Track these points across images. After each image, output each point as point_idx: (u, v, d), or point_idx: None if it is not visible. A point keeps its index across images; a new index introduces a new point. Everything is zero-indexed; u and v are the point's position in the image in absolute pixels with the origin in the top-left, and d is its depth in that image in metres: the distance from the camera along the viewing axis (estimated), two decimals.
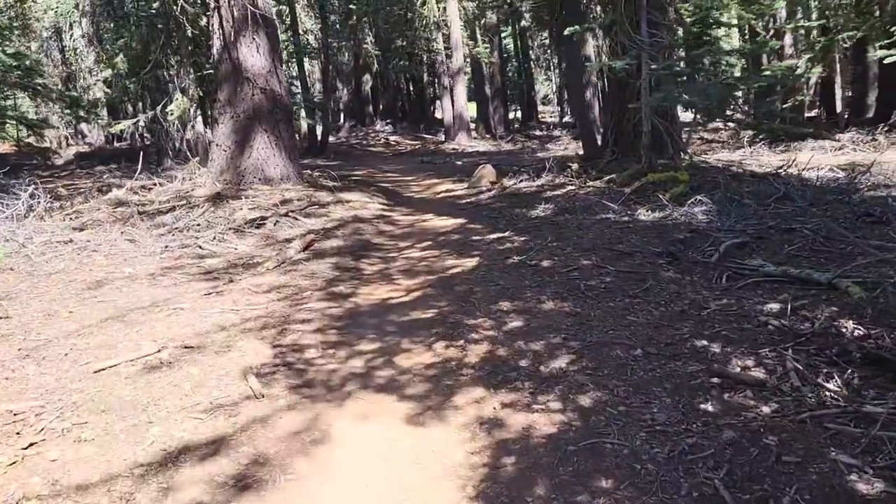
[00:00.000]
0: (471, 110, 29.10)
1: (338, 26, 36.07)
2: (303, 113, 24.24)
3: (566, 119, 41.30)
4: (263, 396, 3.51)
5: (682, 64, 8.12)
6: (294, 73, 26.27)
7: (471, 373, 3.62)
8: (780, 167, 9.31)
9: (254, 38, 10.53)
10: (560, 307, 4.50)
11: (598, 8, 10.48)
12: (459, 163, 18.52)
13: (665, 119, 9.15)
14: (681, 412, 2.92)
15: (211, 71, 11.32)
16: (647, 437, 2.75)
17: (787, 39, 15.78)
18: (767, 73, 7.67)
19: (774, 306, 4.06)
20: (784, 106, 13.71)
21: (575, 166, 10.08)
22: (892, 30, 12.23)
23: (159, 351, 4.25)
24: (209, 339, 4.41)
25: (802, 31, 14.94)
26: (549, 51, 47.17)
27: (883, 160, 11.09)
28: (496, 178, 11.91)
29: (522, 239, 7.01)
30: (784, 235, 5.87)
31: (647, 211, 7.53)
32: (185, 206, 9.53)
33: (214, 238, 7.79)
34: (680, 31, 8.92)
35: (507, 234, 7.40)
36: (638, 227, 6.80)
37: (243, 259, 6.88)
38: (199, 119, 12.46)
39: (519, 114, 39.14)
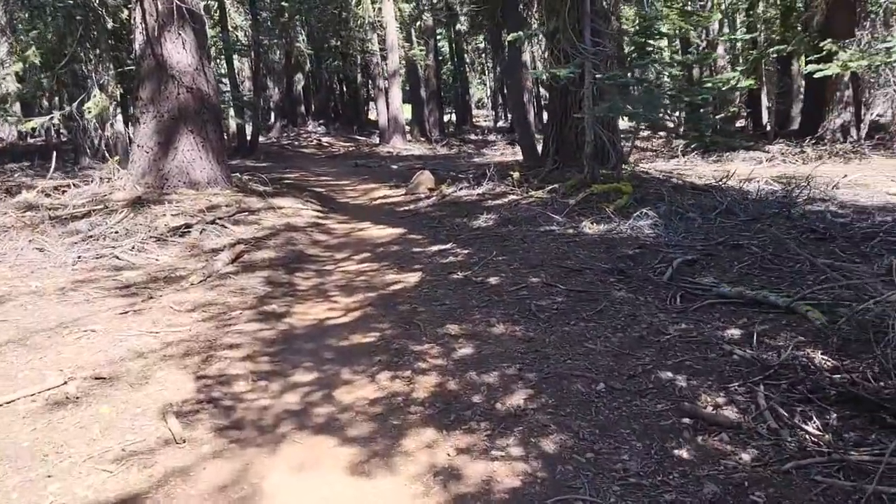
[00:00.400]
0: (406, 113, 28.75)
1: (269, 24, 35.19)
2: (232, 112, 23.41)
3: (500, 124, 41.46)
4: (185, 441, 3.08)
5: (629, 74, 7.98)
6: (223, 71, 25.37)
7: (420, 410, 3.28)
8: (720, 179, 9.31)
9: (180, 34, 9.93)
10: (512, 331, 4.21)
11: (539, 14, 10.31)
12: (395, 167, 18.17)
13: (607, 129, 9.03)
14: (654, 460, 2.66)
15: (133, 67, 10.63)
16: (621, 491, 2.47)
17: (720, 51, 16.05)
18: (709, 85, 7.58)
19: (735, 332, 3.87)
20: (716, 117, 13.88)
21: (516, 175, 9.87)
22: (821, 45, 12.51)
23: (65, 383, 3.76)
24: (124, 367, 3.93)
25: (732, 44, 15.19)
26: (483, 55, 47.27)
27: (813, 173, 11.31)
28: (434, 185, 11.61)
29: (466, 252, 6.72)
30: (732, 252, 5.75)
31: (593, 223, 7.36)
32: (102, 211, 8.86)
33: (134, 248, 7.22)
34: (625, 41, 8.81)
35: (449, 246, 7.10)
36: (584, 240, 6.60)
37: (165, 272, 6.36)
38: (120, 118, 11.71)
39: (454, 117, 39.02)
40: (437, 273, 5.95)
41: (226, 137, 25.49)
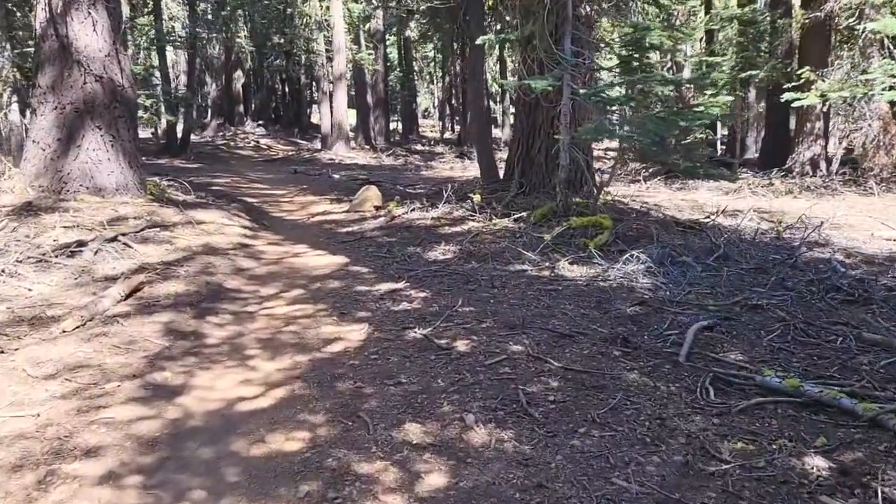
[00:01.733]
0: (350, 118, 27.35)
1: (209, 16, 33.30)
2: (162, 108, 21.63)
3: (447, 135, 40.46)
4: None
5: (617, 90, 6.90)
6: (155, 63, 23.51)
7: None
8: (709, 216, 8.33)
9: (90, 13, 8.42)
10: (499, 440, 2.99)
11: (512, 17, 9.19)
12: (337, 176, 16.81)
13: (582, 151, 7.95)
14: None
15: (33, 48, 9.06)
16: None
17: (686, 73, 15.29)
18: (701, 108, 6.56)
19: (820, 463, 2.74)
20: (682, 142, 13.04)
21: (477, 198, 8.69)
22: (798, 73, 11.79)
23: None
24: None
25: (700, 66, 14.43)
26: (433, 63, 46.26)
27: (785, 208, 10.52)
28: (382, 203, 10.33)
29: (423, 296, 5.47)
30: (754, 316, 4.68)
31: (572, 264, 6.23)
32: None
33: (3, 270, 5.71)
34: (609, 53, 7.77)
35: (401, 285, 5.84)
36: (568, 288, 5.44)
37: (36, 308, 4.91)
38: (15, 107, 10.06)
39: (399, 126, 37.79)
40: (388, 327, 4.68)
41: (157, 134, 23.62)
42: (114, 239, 6.94)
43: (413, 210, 9.05)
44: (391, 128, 34.62)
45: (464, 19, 10.21)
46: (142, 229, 7.46)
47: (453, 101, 45.93)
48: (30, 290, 5.40)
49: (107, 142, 8.52)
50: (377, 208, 10.15)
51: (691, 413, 3.22)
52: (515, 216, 7.88)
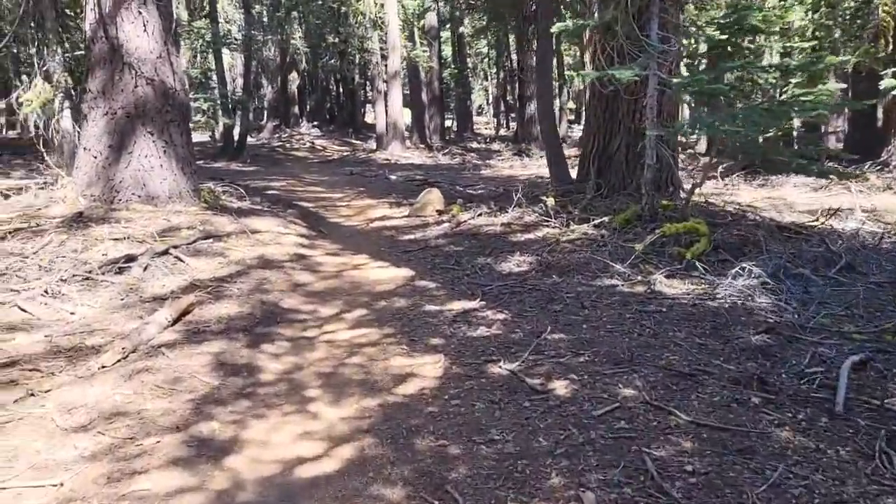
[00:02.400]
0: (405, 117, 26.84)
1: (265, 19, 33.27)
2: (219, 111, 21.48)
3: (503, 132, 39.68)
4: None
5: (715, 79, 6.08)
6: (211, 66, 23.40)
7: None
8: (817, 218, 7.42)
9: (140, 12, 8.01)
10: None
11: (584, 5, 8.42)
12: (394, 177, 16.26)
13: (670, 149, 7.15)
14: None
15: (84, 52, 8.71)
16: None
17: (767, 59, 14.21)
18: (810, 97, 5.70)
19: None
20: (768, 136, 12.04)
21: (550, 201, 7.95)
22: None
23: None
24: None
25: (787, 53, 13.37)
26: (486, 59, 45.53)
27: (890, 206, 9.49)
28: (444, 206, 9.69)
29: (502, 318, 4.80)
30: None
31: (670, 279, 5.46)
32: (27, 231, 6.93)
33: (47, 291, 5.26)
34: (696, 38, 6.97)
35: (476, 304, 5.18)
36: (672, 310, 4.68)
37: (75, 337, 4.42)
38: (67, 113, 9.75)
39: (453, 124, 37.18)
40: (467, 359, 4.02)
41: (214, 137, 23.46)
42: (165, 252, 6.47)
43: (480, 215, 8.37)
44: (445, 126, 34.03)
45: (530, 9, 9.45)
46: (194, 241, 6.98)
47: (508, 98, 45.19)
48: (72, 313, 4.92)
49: (159, 148, 8.10)
50: (440, 213, 9.52)
51: (879, 493, 2.47)
52: (595, 221, 7.13)
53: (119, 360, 3.98)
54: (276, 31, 31.09)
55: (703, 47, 7.46)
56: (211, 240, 7.12)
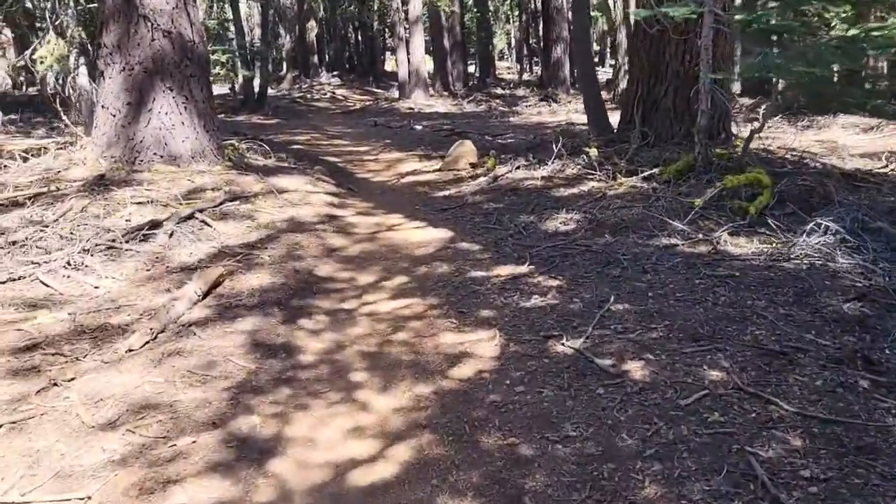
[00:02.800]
0: (426, 64, 26.10)
1: None
2: (238, 63, 20.96)
3: (526, 76, 38.65)
4: None
5: (776, 15, 5.53)
6: (228, 16, 22.74)
7: None
8: (886, 165, 6.88)
9: None
10: None
11: None
12: (419, 127, 15.76)
13: (724, 93, 6.62)
14: None
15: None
16: None
17: None
18: (884, 32, 5.14)
19: None
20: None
21: (592, 151, 7.46)
22: None
23: None
24: None
25: None
26: (508, 1, 44.13)
27: None
28: (477, 159, 9.23)
29: (556, 285, 4.41)
30: None
31: (735, 236, 5.02)
32: (47, 196, 6.63)
33: (69, 262, 4.96)
34: None
35: (525, 269, 4.80)
36: (746, 274, 4.25)
37: (101, 314, 4.12)
38: (83, 70, 9.34)
39: (475, 70, 36.25)
40: (525, 335, 3.66)
41: (234, 89, 22.92)
42: (190, 217, 6.14)
43: (517, 168, 7.91)
44: (468, 72, 33.16)
45: None
46: (220, 203, 6.63)
47: (531, 41, 43.92)
48: (96, 287, 4.62)
49: (179, 104, 7.70)
50: (473, 166, 9.06)
51: None
52: (644, 173, 6.65)
53: (147, 342, 3.67)
54: None
55: None
56: (238, 201, 6.78)
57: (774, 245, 4.75)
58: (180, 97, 7.69)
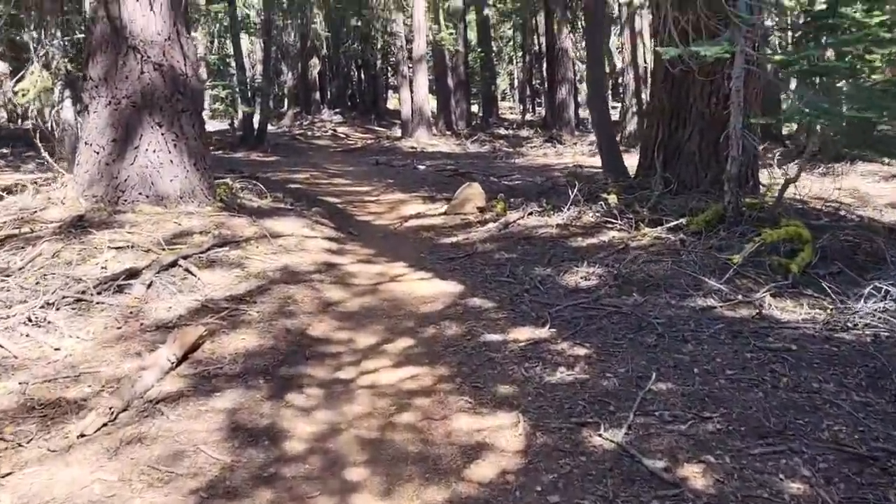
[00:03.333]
0: (430, 103, 25.84)
1: (284, 3, 32.34)
2: (238, 98, 20.64)
3: (529, 117, 38.51)
4: None
5: (813, 57, 5.07)
6: (230, 52, 22.48)
7: None
8: None
9: None
10: None
11: None
12: (422, 167, 15.33)
13: (754, 138, 6.14)
14: None
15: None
16: None
17: None
18: None
19: None
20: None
21: (611, 198, 6.96)
22: None
23: None
24: None
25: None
26: (510, 43, 44.30)
27: None
28: (486, 203, 8.73)
29: (584, 354, 3.85)
30: None
31: (778, 298, 4.48)
32: (18, 239, 6.09)
33: (30, 318, 4.40)
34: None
35: (545, 331, 4.25)
36: (803, 347, 3.69)
37: (57, 385, 3.55)
38: (68, 103, 8.88)
39: (478, 109, 36.08)
40: (554, 422, 3.09)
41: (234, 125, 22.53)
42: (173, 264, 5.59)
43: (530, 214, 7.39)
44: (471, 111, 32.94)
45: None
46: (208, 248, 6.09)
47: (534, 82, 43.94)
48: (57, 349, 4.05)
49: (168, 141, 7.22)
50: (481, 210, 8.56)
51: None
52: (669, 223, 6.13)
53: (105, 425, 3.09)
54: (297, 16, 30.16)
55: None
56: (227, 247, 6.24)
57: (828, 311, 4.20)
58: (170, 133, 7.22)
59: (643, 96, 19.12)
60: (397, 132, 25.61)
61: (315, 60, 33.64)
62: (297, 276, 5.70)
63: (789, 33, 6.19)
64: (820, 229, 5.64)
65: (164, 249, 5.92)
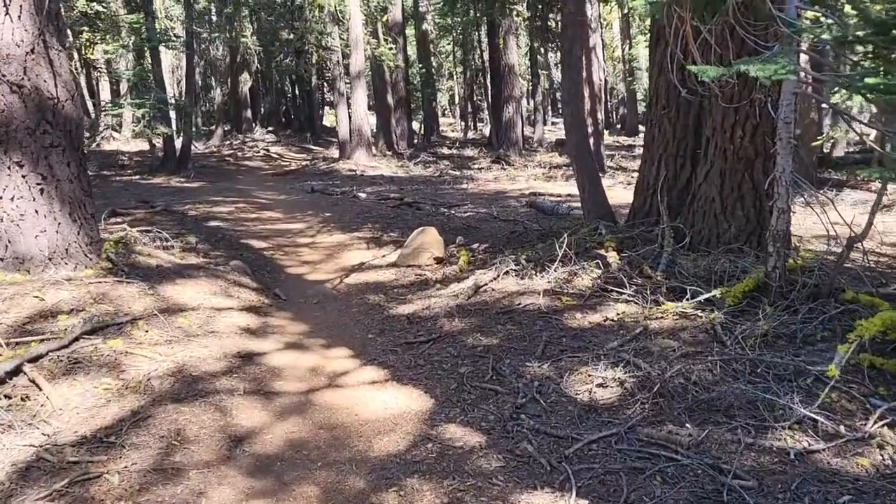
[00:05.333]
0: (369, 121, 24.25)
1: (214, 16, 30.33)
2: (156, 119, 18.60)
3: (471, 135, 37.34)
4: None
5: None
6: (147, 66, 20.35)
7: None
8: None
9: None
10: None
11: None
12: (364, 195, 13.73)
13: (804, 183, 4.77)
14: None
15: None
16: None
17: None
18: None
19: None
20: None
21: (612, 257, 5.49)
22: None
23: None
24: None
25: None
26: (451, 57, 43.11)
27: None
28: (443, 252, 7.19)
29: None
30: None
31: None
32: None
33: None
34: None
35: (566, 494, 2.71)
36: None
37: None
38: None
39: (420, 127, 34.68)
40: None
41: (155, 146, 20.22)
42: (14, 373, 3.90)
43: (505, 273, 5.85)
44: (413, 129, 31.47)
45: None
46: (74, 339, 4.39)
47: (475, 98, 42.77)
48: None
49: (32, 185, 5.45)
50: (439, 261, 7.02)
51: None
52: (695, 295, 4.69)
53: None
54: (225, 28, 28.19)
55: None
56: (101, 336, 4.53)
57: None
58: (34, 175, 5.45)
59: (599, 116, 17.93)
60: (334, 152, 23.93)
61: (246, 76, 31.68)
62: (195, 385, 4.02)
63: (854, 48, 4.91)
64: None
65: (5, 345, 4.18)
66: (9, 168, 5.39)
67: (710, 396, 3.50)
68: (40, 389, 3.80)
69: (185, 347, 4.56)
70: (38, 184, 5.49)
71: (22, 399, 3.68)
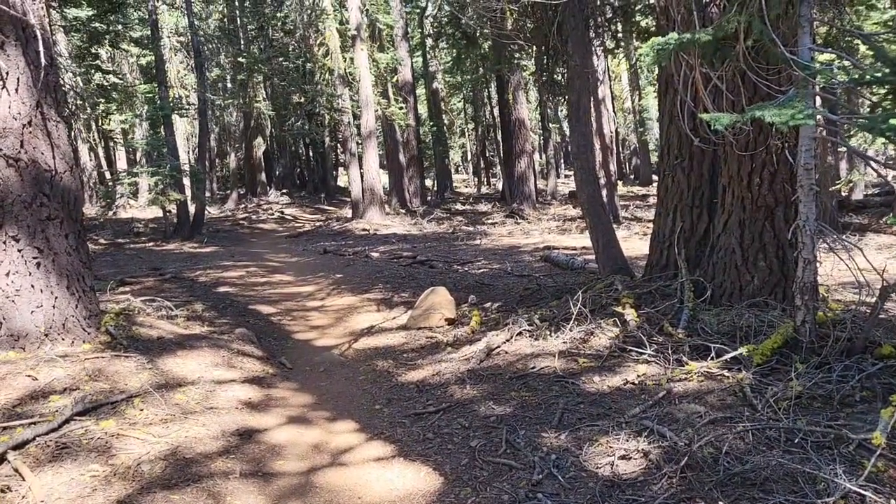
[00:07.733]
0: (382, 180, 24.33)
1: (228, 83, 30.97)
2: (170, 186, 18.75)
3: (484, 190, 37.47)
4: None
5: None
6: (161, 135, 20.60)
7: None
8: None
9: None
10: None
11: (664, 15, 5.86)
12: (376, 254, 13.59)
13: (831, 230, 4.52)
14: None
15: None
16: None
17: None
18: None
19: None
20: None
21: (629, 313, 5.23)
22: None
23: None
24: None
25: None
26: (462, 114, 43.62)
27: None
28: (455, 312, 6.95)
29: None
30: None
31: None
32: None
33: None
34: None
35: None
36: None
37: None
38: None
39: (432, 184, 34.84)
40: None
41: (167, 214, 20.25)
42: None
43: (518, 335, 5.59)
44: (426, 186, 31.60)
45: (558, 37, 6.91)
46: (64, 421, 4.17)
47: (487, 153, 43.05)
48: None
49: (28, 260, 5.30)
50: (450, 322, 6.77)
51: None
52: (720, 353, 4.40)
53: None
54: (238, 95, 28.70)
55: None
56: (93, 417, 4.30)
57: None
58: (30, 249, 5.31)
59: (611, 167, 17.83)
60: (348, 212, 23.97)
61: (260, 140, 32.10)
62: (188, 468, 3.76)
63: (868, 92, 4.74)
64: None
65: None
66: (4, 243, 5.26)
67: (744, 469, 3.19)
68: (23, 479, 3.56)
69: (180, 426, 4.31)
70: (35, 258, 5.34)
71: (2, 491, 3.44)
